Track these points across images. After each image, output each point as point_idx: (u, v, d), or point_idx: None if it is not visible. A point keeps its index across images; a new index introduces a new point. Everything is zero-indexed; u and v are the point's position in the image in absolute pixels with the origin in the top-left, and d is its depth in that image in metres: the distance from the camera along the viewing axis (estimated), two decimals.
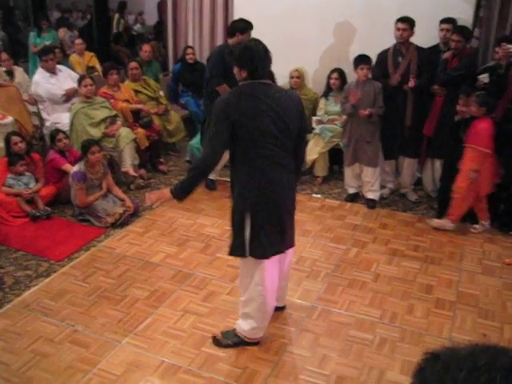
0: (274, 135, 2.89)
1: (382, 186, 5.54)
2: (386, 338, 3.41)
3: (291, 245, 3.24)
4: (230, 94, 2.99)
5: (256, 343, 3.29)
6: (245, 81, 2.94)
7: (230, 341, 3.29)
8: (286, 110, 2.92)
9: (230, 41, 5.10)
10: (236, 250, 3.09)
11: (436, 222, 4.91)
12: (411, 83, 4.94)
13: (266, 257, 3.03)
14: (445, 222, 4.84)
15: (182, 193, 2.97)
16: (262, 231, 2.97)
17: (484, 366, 0.67)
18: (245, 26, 5.05)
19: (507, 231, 4.84)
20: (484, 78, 4.70)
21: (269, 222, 2.99)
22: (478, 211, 4.85)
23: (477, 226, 4.87)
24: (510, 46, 4.56)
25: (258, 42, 2.99)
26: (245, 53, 2.91)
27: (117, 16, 11.69)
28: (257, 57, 2.89)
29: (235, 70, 2.98)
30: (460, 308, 3.75)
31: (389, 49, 5.17)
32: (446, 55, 5.00)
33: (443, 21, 5.19)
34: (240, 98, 2.88)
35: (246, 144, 2.89)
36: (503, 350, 0.71)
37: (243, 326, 3.25)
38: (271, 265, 3.08)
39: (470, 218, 5.00)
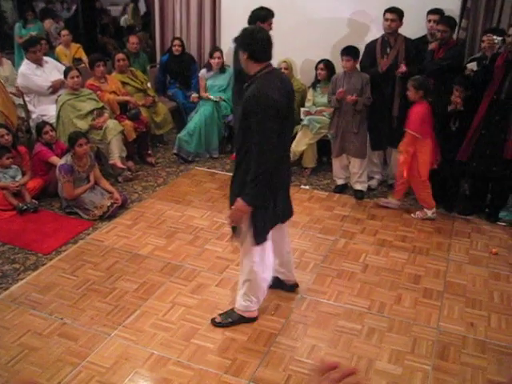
0: (290, 119, 3.15)
1: (370, 177, 5.56)
2: (375, 327, 3.43)
3: (288, 216, 3.45)
4: (266, 87, 2.97)
5: (254, 319, 3.42)
6: (253, 67, 3.03)
7: (230, 319, 3.40)
8: (292, 98, 3.21)
9: None
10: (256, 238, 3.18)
11: (383, 200, 5.16)
12: (402, 68, 4.94)
13: (265, 239, 3.22)
14: (390, 200, 5.10)
15: (257, 200, 3.04)
16: (264, 213, 3.13)
17: None
18: (265, 13, 4.96)
19: (493, 221, 4.89)
20: (473, 65, 4.72)
21: (269, 204, 3.16)
22: (420, 199, 4.98)
23: (418, 213, 4.99)
24: (495, 36, 4.59)
25: (259, 28, 3.14)
26: (247, 35, 3.02)
27: (132, 5, 11.70)
28: (257, 39, 2.98)
29: (240, 56, 3.06)
30: (448, 297, 3.78)
31: (377, 39, 5.17)
32: (432, 46, 5.03)
33: (431, 12, 5.22)
34: (275, 89, 2.96)
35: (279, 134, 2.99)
36: None
37: (242, 303, 3.37)
38: (267, 242, 3.25)
39: (457, 208, 5.05)
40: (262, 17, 4.93)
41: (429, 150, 4.70)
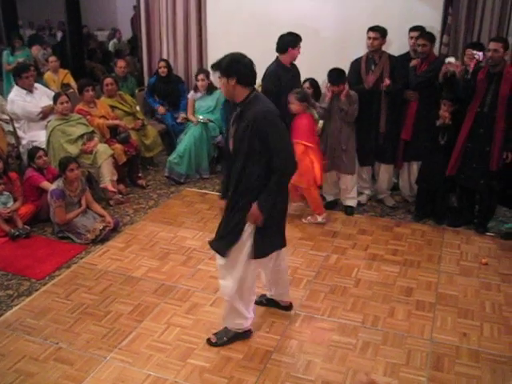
0: None
1: (360, 193, 5.62)
2: (369, 341, 3.46)
3: (285, 243, 3.50)
4: (266, 105, 3.12)
5: (249, 333, 3.47)
6: (234, 90, 3.07)
7: (225, 337, 3.43)
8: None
9: (282, 57, 5.08)
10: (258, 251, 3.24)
11: (308, 218, 5.22)
12: (386, 82, 5.02)
13: (267, 255, 3.30)
14: (315, 218, 5.17)
15: (269, 208, 3.12)
16: (269, 232, 3.21)
17: None
18: (294, 39, 5.03)
19: (482, 232, 4.95)
20: (451, 59, 4.80)
21: (276, 223, 3.29)
22: (310, 204, 5.17)
23: (309, 218, 5.18)
24: (474, 51, 4.70)
25: (242, 54, 3.13)
26: (233, 62, 3.05)
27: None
28: (244, 64, 3.05)
29: (223, 81, 3.10)
30: (440, 309, 3.82)
31: (362, 57, 5.27)
32: (414, 62, 5.14)
33: (412, 29, 5.34)
34: (272, 106, 3.13)
35: None
36: None
37: (230, 321, 3.41)
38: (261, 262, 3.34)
39: (446, 220, 5.12)
40: (292, 42, 5.02)
41: (319, 156, 4.94)
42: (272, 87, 4.94)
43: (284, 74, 5.05)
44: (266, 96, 3.24)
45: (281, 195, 3.20)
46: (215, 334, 3.46)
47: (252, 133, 3.00)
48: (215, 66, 3.11)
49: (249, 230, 3.16)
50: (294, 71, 5.25)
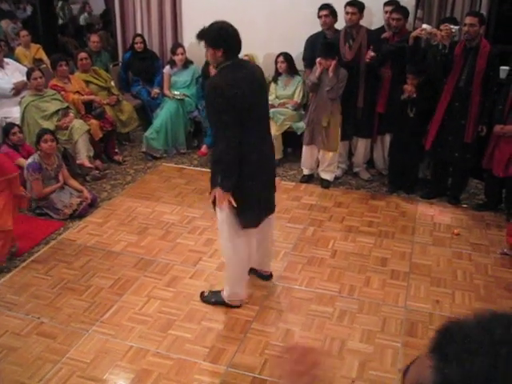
0: (262, 111, 3.24)
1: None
2: (346, 310, 3.57)
3: (273, 210, 3.57)
4: (223, 80, 3.04)
5: (237, 306, 3.56)
6: (222, 62, 3.09)
7: (214, 299, 3.58)
8: (261, 85, 3.29)
9: None
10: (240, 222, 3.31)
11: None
12: (369, 54, 5.03)
13: (256, 226, 3.38)
14: None
15: (230, 186, 3.14)
16: (256, 203, 3.29)
17: (501, 338, 0.69)
18: None
19: (455, 203, 5.08)
20: (426, 26, 4.83)
21: (261, 194, 3.35)
22: None
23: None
24: (452, 26, 4.75)
25: (227, 23, 3.13)
26: (220, 33, 3.06)
27: (60, 3, 11.49)
28: (231, 35, 3.07)
29: (210, 52, 3.11)
30: (414, 278, 3.94)
31: (340, 31, 5.30)
32: (386, 34, 5.18)
33: (387, 3, 5.37)
34: (235, 80, 3.04)
35: (244, 124, 3.06)
36: (508, 318, 0.73)
37: (225, 291, 3.53)
38: (252, 232, 3.41)
39: (420, 192, 5.23)
40: None
41: None
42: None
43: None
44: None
45: (238, 172, 3.12)
46: (210, 292, 3.65)
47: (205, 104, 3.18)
48: (201, 36, 3.12)
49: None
50: None
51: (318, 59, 5.06)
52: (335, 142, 5.30)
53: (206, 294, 3.66)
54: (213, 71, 5.58)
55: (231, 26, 3.10)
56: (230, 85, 2.98)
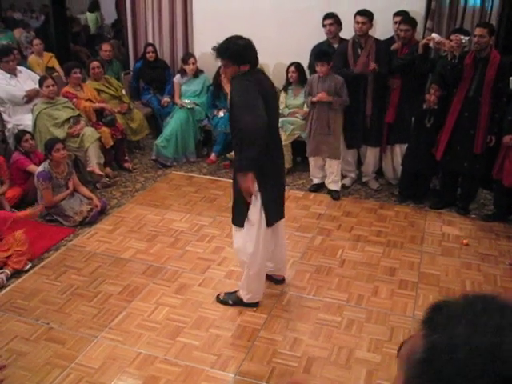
0: (273, 118, 3.30)
1: (344, 176, 5.70)
2: (354, 319, 3.56)
3: (283, 215, 3.66)
4: (245, 78, 3.16)
5: (254, 305, 3.64)
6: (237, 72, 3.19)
7: (231, 300, 3.65)
8: (274, 93, 3.43)
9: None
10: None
11: None
12: (371, 65, 5.08)
13: (271, 224, 3.44)
14: None
15: (250, 165, 3.14)
16: (272, 203, 3.39)
17: (481, 309, 0.79)
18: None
19: (464, 214, 5.07)
20: (435, 35, 4.86)
21: (277, 196, 3.48)
22: None
23: None
24: (462, 36, 4.76)
25: (247, 39, 3.22)
26: (247, 50, 3.16)
27: (90, 15, 11.74)
28: (254, 50, 3.20)
29: (231, 68, 3.19)
30: (422, 288, 3.93)
31: (348, 41, 5.33)
32: (395, 46, 5.20)
33: (396, 14, 5.39)
34: (257, 79, 3.19)
35: None
36: (491, 297, 0.84)
37: (242, 292, 3.62)
38: (268, 232, 3.47)
39: (428, 202, 5.23)
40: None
41: None
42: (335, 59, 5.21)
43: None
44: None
45: (262, 147, 3.08)
46: (226, 293, 3.71)
47: (231, 108, 3.18)
48: (223, 53, 3.17)
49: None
50: None
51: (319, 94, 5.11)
52: (339, 149, 5.33)
53: (221, 296, 3.72)
54: (225, 80, 5.65)
55: (251, 41, 3.20)
56: (255, 81, 3.14)
